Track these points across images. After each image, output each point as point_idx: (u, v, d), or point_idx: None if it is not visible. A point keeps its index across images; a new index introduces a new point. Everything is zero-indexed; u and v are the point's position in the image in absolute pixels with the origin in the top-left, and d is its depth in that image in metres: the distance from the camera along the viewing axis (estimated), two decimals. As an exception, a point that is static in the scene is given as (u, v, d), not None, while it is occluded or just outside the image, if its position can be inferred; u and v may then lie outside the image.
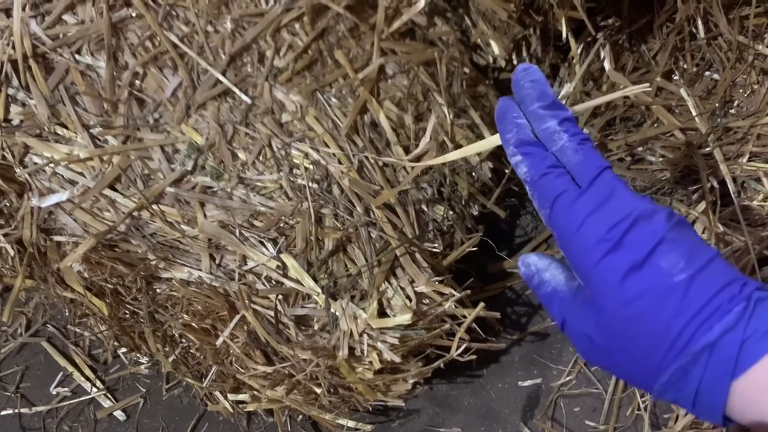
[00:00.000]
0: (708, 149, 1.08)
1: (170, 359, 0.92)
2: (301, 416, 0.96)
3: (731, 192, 1.04)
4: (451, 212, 0.95)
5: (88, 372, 1.00)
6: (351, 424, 0.90)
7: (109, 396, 0.99)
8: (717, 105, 1.11)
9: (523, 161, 0.47)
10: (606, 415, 0.98)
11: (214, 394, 0.95)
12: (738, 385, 0.37)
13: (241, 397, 0.91)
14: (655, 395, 0.41)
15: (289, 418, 0.96)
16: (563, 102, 1.17)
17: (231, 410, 0.94)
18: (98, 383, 0.99)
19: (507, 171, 1.04)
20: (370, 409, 0.95)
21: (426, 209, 0.94)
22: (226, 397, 0.94)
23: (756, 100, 1.11)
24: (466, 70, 1.05)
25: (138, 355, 1.00)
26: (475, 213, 1.01)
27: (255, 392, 0.88)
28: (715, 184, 1.06)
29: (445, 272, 0.92)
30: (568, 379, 1.00)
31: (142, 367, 1.00)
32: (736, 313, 0.37)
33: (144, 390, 1.00)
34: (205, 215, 0.87)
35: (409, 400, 0.99)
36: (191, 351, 0.92)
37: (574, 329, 0.43)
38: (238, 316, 0.81)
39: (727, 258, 1.00)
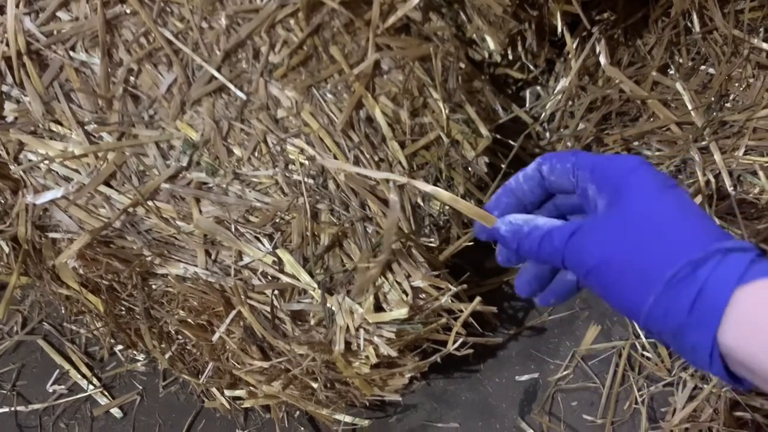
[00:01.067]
0: (704, 143, 1.08)
1: (167, 356, 0.92)
2: (298, 412, 0.96)
3: (727, 185, 1.04)
4: (447, 207, 0.95)
5: (84, 369, 1.00)
6: (348, 419, 0.90)
7: (106, 393, 0.99)
8: (713, 99, 1.11)
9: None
10: (603, 409, 0.98)
11: (210, 391, 0.95)
12: (740, 294, 0.38)
13: (237, 393, 0.91)
14: (650, 306, 0.41)
15: (286, 414, 0.96)
16: (559, 96, 1.18)
17: (228, 406, 0.94)
18: (95, 381, 0.99)
19: (503, 166, 1.04)
20: (368, 404, 0.95)
21: (422, 204, 0.94)
22: (222, 394, 0.93)
23: (752, 94, 1.11)
24: (462, 65, 1.05)
25: (134, 352, 1.00)
26: (472, 208, 1.01)
27: (251, 388, 0.88)
28: (711, 178, 1.07)
29: (441, 267, 0.92)
30: (565, 373, 1.00)
31: (139, 364, 1.00)
32: None
33: (141, 387, 1.00)
34: (200, 211, 0.87)
35: (406, 395, 0.99)
36: (187, 347, 0.92)
37: (579, 246, 0.44)
38: (234, 312, 0.81)
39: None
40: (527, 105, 1.20)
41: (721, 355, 0.39)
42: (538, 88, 1.21)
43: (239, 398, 0.95)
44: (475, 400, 0.99)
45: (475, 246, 1.03)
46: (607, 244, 0.42)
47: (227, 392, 0.91)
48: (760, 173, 1.02)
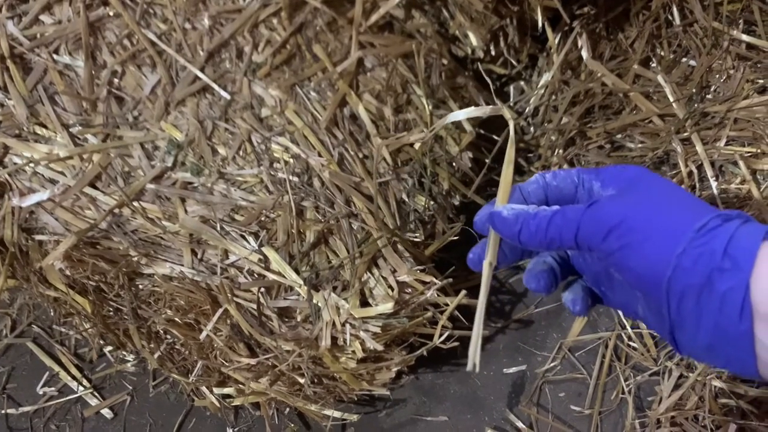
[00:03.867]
0: (686, 134, 1.09)
1: (156, 356, 0.92)
2: (288, 408, 0.97)
3: (709, 176, 1.05)
4: (432, 202, 0.96)
5: (74, 371, 1.00)
6: (337, 414, 0.91)
7: (96, 394, 0.99)
8: (694, 91, 1.12)
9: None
10: (591, 400, 0.99)
11: (200, 390, 0.96)
12: (766, 248, 0.37)
13: (226, 390, 0.91)
14: (678, 256, 0.39)
15: (276, 411, 0.97)
16: (541, 91, 1.18)
17: (218, 405, 0.94)
18: (85, 382, 1.00)
19: (487, 161, 1.05)
20: (356, 399, 0.95)
21: (407, 200, 0.94)
22: (212, 392, 0.94)
23: (732, 85, 1.12)
24: (445, 61, 1.06)
25: (124, 352, 1.00)
26: (456, 203, 1.02)
27: (240, 386, 0.89)
28: (694, 169, 1.08)
29: (427, 261, 0.93)
30: (552, 365, 1.01)
31: (129, 364, 1.00)
32: None
33: (131, 387, 1.00)
34: (186, 211, 0.87)
35: (395, 389, 0.99)
36: (176, 347, 0.93)
37: (598, 212, 0.43)
38: (221, 310, 0.82)
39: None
40: (511, 100, 1.21)
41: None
42: (522, 83, 1.22)
43: (229, 396, 0.96)
44: (463, 393, 1.00)
45: (462, 240, 1.03)
46: (629, 206, 0.42)
47: (216, 390, 0.91)
48: (741, 163, 1.03)
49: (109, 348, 1.00)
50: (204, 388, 0.95)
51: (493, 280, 1.09)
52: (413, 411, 0.99)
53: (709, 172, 1.06)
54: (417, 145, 0.97)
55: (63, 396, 0.99)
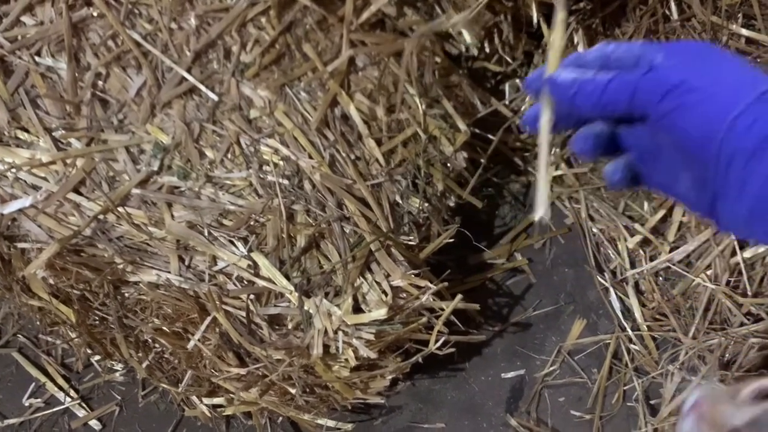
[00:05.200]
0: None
1: (144, 365, 0.90)
2: (280, 417, 0.94)
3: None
4: (426, 204, 0.94)
5: (61, 381, 0.97)
6: (331, 423, 0.89)
7: (84, 405, 0.97)
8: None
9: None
10: (592, 405, 0.97)
11: (190, 399, 0.93)
12: None
13: (216, 400, 0.89)
14: (737, 114, 0.38)
15: (269, 420, 0.94)
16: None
17: (209, 414, 0.92)
18: (72, 393, 0.97)
19: (483, 160, 1.02)
20: (351, 407, 0.93)
21: (401, 202, 0.92)
22: (202, 402, 0.91)
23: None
24: (438, 59, 1.04)
25: (112, 362, 0.97)
26: (452, 204, 0.99)
27: (231, 395, 0.86)
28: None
29: (422, 265, 0.91)
30: (551, 369, 0.99)
31: (117, 374, 0.98)
32: None
33: (119, 398, 0.97)
34: (172, 216, 0.85)
35: (391, 396, 0.97)
36: (165, 356, 0.90)
37: (660, 72, 0.41)
38: (209, 318, 0.79)
39: (707, 240, 1.00)
40: (507, 98, 1.19)
41: None
42: (518, 81, 1.19)
43: (220, 406, 0.93)
44: (461, 399, 0.98)
45: (458, 242, 1.01)
46: (691, 69, 0.41)
47: (206, 400, 0.89)
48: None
49: (97, 357, 0.98)
50: (194, 398, 0.92)
51: (491, 283, 1.07)
52: (409, 418, 0.96)
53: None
54: (410, 146, 0.95)
55: (50, 407, 0.97)
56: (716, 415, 0.46)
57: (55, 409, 0.97)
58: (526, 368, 1.00)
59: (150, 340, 0.89)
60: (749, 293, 0.96)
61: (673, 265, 1.01)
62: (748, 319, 0.96)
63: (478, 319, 1.03)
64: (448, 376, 0.99)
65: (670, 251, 1.02)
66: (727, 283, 0.98)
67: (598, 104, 0.44)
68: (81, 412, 0.97)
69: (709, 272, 0.99)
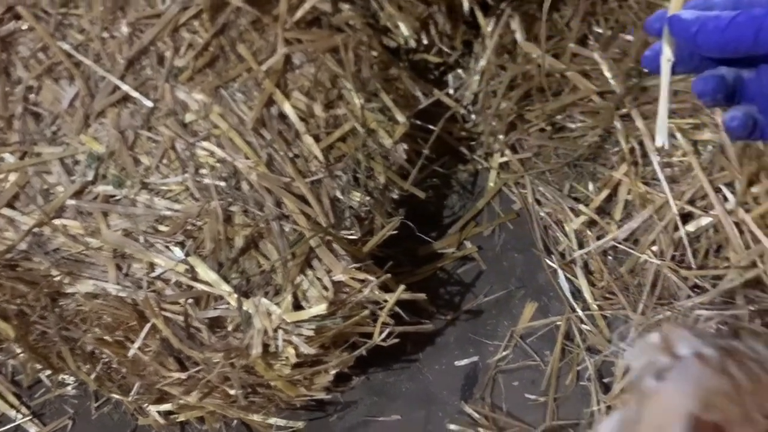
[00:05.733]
0: (626, 110, 1.07)
1: (92, 376, 0.89)
2: (235, 421, 0.94)
3: (651, 151, 1.04)
4: (368, 198, 0.94)
5: (11, 398, 0.96)
6: (282, 422, 0.89)
7: (36, 421, 0.96)
8: (631, 66, 1.11)
9: None
10: (546, 386, 0.97)
11: (143, 408, 0.93)
12: None
13: (164, 407, 0.89)
14: None
15: (224, 424, 0.94)
16: (477, 77, 1.17)
17: (162, 422, 0.92)
18: (23, 409, 0.96)
19: (425, 151, 1.03)
20: (304, 405, 0.93)
21: (341, 197, 0.92)
22: (154, 410, 0.91)
23: (669, 58, 1.11)
24: (375, 53, 1.04)
25: (63, 376, 0.97)
26: (395, 197, 0.99)
27: (179, 401, 0.86)
28: (636, 145, 1.06)
29: (365, 258, 0.91)
30: (504, 354, 0.99)
31: (69, 387, 0.97)
32: None
33: (72, 411, 0.97)
34: (108, 225, 0.85)
35: (345, 392, 0.97)
36: (113, 366, 0.90)
37: None
38: (148, 325, 0.79)
39: (650, 216, 1.00)
40: (451, 89, 1.19)
41: None
42: (460, 71, 1.20)
43: (174, 413, 0.93)
44: (415, 390, 0.98)
45: (403, 234, 1.02)
46: None
47: (153, 407, 0.89)
48: (678, 135, 1.02)
49: (48, 372, 0.97)
50: (147, 406, 0.92)
51: (442, 273, 1.07)
52: (365, 412, 0.97)
53: (651, 147, 1.04)
54: (349, 141, 0.95)
55: (1, 426, 0.96)
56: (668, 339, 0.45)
57: (6, 427, 0.96)
58: (479, 355, 1.00)
59: (96, 351, 0.89)
60: (694, 266, 0.97)
61: (619, 243, 1.01)
62: (695, 292, 0.97)
63: (430, 309, 1.03)
64: (402, 368, 1.00)
65: (618, 230, 1.03)
66: (672, 257, 0.98)
67: (720, 42, 0.42)
68: (33, 429, 0.96)
69: (654, 248, 1.00)
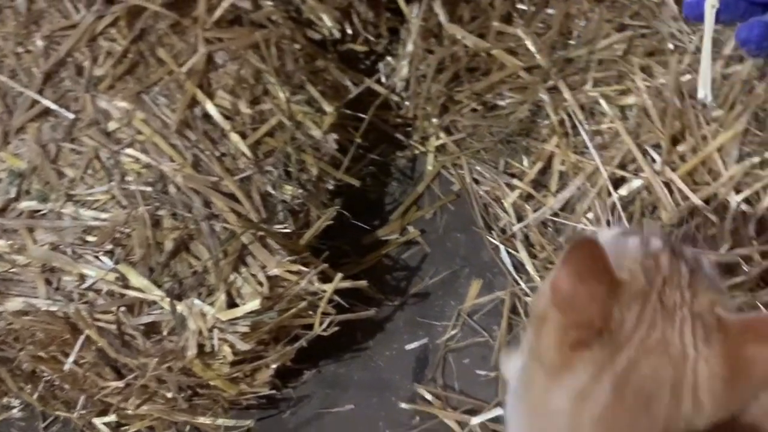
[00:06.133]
0: (552, 83, 1.08)
1: (35, 396, 0.88)
2: (188, 426, 0.93)
3: (579, 121, 1.05)
4: (301, 191, 0.93)
5: (-43, 428, 0.95)
6: (230, 423, 0.88)
7: (-16, 448, 0.94)
8: (556, 39, 1.12)
9: None
10: (495, 362, 0.98)
11: (92, 423, 0.91)
12: None
13: (109, 419, 0.87)
14: None
15: None
16: (404, 62, 1.17)
17: (112, 435, 0.90)
18: (-30, 437, 0.94)
19: (357, 139, 1.03)
20: (257, 403, 0.93)
21: (273, 191, 0.92)
22: (102, 423, 0.90)
23: (591, 28, 1.12)
24: (298, 46, 1.04)
25: (7, 399, 0.95)
26: (331, 187, 0.99)
27: (121, 410, 0.85)
28: (565, 116, 1.08)
29: (303, 251, 0.90)
30: (453, 333, 1.00)
31: (14, 410, 0.95)
32: None
33: (20, 434, 0.95)
34: (34, 240, 0.83)
35: (297, 387, 0.97)
36: (55, 383, 0.88)
37: None
38: (82, 337, 0.78)
39: (582, 184, 1.02)
40: (383, 76, 1.19)
41: None
42: (390, 58, 1.20)
43: (123, 424, 0.92)
44: (368, 378, 0.98)
45: (352, 225, 1.02)
46: None
47: (98, 420, 0.87)
48: (602, 102, 1.03)
49: (-8, 398, 0.95)
50: (95, 420, 0.91)
51: (387, 259, 1.08)
52: (318, 405, 0.96)
53: (580, 117, 1.06)
54: (277, 135, 0.95)
55: (-53, 457, 0.94)
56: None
57: (-47, 458, 0.94)
58: (428, 336, 1.01)
59: (37, 370, 0.87)
60: (628, 229, 0.98)
61: (556, 213, 1.03)
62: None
63: (377, 296, 1.03)
64: (352, 357, 1.00)
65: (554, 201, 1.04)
66: (608, 222, 1.00)
67: None
68: (-19, 456, 0.94)
69: (590, 215, 1.01)
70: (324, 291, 0.85)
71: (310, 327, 0.87)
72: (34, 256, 0.81)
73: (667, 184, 0.97)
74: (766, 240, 0.90)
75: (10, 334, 0.81)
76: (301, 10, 1.11)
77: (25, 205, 0.85)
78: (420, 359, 0.99)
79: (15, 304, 0.79)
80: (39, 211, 0.85)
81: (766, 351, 0.42)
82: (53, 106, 0.92)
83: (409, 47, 1.15)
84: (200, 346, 0.77)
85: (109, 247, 0.83)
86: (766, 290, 0.87)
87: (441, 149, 1.14)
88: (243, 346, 0.76)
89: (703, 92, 0.49)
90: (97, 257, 0.82)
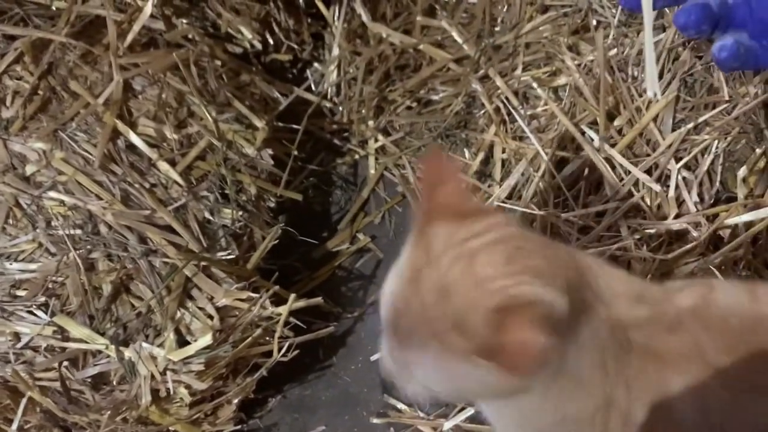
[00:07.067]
0: (483, 72, 1.08)
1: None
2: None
3: (514, 107, 1.05)
4: (241, 213, 0.90)
5: None
6: (197, 465, 0.84)
7: None
8: (481, 27, 1.11)
9: None
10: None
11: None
12: None
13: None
14: None
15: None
16: (332, 67, 1.14)
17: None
18: None
19: (294, 152, 0.99)
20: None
21: (212, 217, 0.88)
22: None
23: (515, 12, 1.12)
24: (219, 62, 1.00)
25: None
26: (272, 205, 0.96)
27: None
28: (500, 104, 1.07)
29: (252, 276, 0.87)
30: (417, 337, 0.98)
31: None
32: None
33: None
34: (-43, 304, 0.77)
35: (263, 416, 0.93)
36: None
37: None
38: (24, 400, 0.72)
39: (525, 170, 1.01)
40: (312, 84, 1.16)
41: None
42: (317, 64, 1.17)
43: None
44: (335, 396, 0.95)
45: (299, 241, 0.98)
46: None
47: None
48: (534, 85, 1.03)
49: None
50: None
51: (339, 270, 1.05)
52: (288, 432, 0.93)
53: (515, 103, 1.05)
54: (209, 158, 0.90)
55: None
56: None
57: None
58: (392, 344, 0.98)
59: (-21, 442, 0.81)
60: (576, 209, 0.98)
61: (503, 202, 1.02)
62: (584, 233, 0.98)
63: (335, 310, 1.00)
64: (317, 377, 0.96)
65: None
66: (556, 205, 0.99)
67: None
68: None
69: (536, 199, 1.01)
70: (279, 314, 0.82)
71: (269, 354, 0.83)
72: (-41, 321, 0.75)
73: (608, 160, 0.97)
74: (710, 204, 0.92)
75: (-56, 408, 0.75)
76: (218, 25, 1.07)
77: (-57, 266, 0.79)
78: (387, 368, 0.97)
79: (-56, 375, 0.73)
80: (-41, 270, 0.79)
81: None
82: (-40, 159, 0.86)
83: (335, 51, 1.12)
84: (155, 392, 0.72)
85: (43, 299, 0.77)
86: (716, 254, 0.88)
87: (381, 151, 1.11)
88: (200, 386, 0.72)
89: (652, 91, 0.47)
90: (30, 312, 0.76)
